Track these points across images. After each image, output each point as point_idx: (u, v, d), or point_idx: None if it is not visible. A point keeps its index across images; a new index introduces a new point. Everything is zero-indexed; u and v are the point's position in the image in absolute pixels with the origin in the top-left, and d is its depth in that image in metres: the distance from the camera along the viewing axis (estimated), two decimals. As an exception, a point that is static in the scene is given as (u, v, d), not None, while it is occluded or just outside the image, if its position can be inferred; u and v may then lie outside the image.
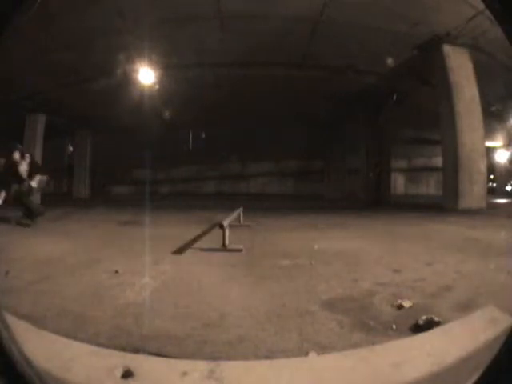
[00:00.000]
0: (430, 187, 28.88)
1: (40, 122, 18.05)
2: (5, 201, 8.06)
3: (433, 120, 13.03)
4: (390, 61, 12.52)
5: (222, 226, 4.93)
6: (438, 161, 13.60)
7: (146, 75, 13.21)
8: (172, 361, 1.73)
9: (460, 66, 11.26)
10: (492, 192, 23.12)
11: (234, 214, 6.93)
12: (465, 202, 10.72)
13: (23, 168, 8.23)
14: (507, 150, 26.05)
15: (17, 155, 8.26)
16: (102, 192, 26.82)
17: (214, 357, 1.80)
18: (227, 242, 4.92)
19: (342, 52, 12.48)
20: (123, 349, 1.87)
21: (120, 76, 12.91)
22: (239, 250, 4.80)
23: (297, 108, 18.92)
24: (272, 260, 4.15)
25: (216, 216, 7.28)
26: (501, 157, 26.72)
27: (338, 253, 4.56)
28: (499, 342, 0.99)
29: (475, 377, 0.96)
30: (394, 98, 15.91)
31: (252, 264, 3.96)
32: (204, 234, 6.26)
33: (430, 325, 2.21)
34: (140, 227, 7.46)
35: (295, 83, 14.88)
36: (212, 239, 5.12)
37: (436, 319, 2.27)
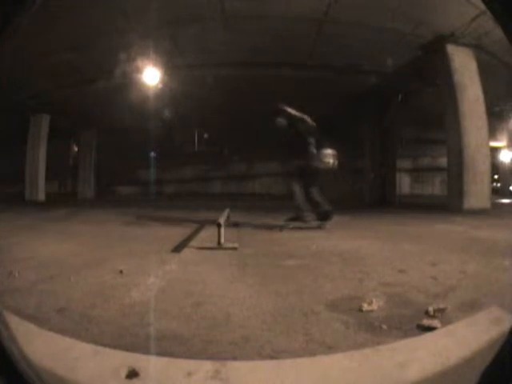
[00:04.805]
0: (435, 187, 28.86)
1: (44, 122, 18.12)
2: None
3: (438, 120, 13.02)
4: (394, 61, 12.52)
5: (219, 225, 4.98)
6: (443, 161, 13.58)
7: (151, 75, 13.24)
8: (177, 361, 1.73)
9: (464, 66, 11.25)
10: (496, 192, 23.10)
11: (227, 213, 7.02)
12: (469, 202, 10.72)
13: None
14: (511, 150, 26.03)
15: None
16: (107, 192, 26.88)
17: (219, 357, 1.81)
18: (223, 240, 4.97)
19: (347, 52, 12.48)
20: (128, 349, 1.87)
21: (124, 76, 12.94)
22: (234, 249, 4.84)
23: (301, 108, 18.90)
24: (277, 260, 4.15)
25: (221, 216, 7.28)
26: (505, 157, 26.71)
27: (343, 253, 4.56)
28: (503, 342, 0.99)
29: (479, 376, 0.97)
30: (399, 98, 15.91)
31: (257, 264, 3.96)
32: (210, 234, 6.25)
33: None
34: (144, 227, 7.47)
35: (300, 84, 14.86)
36: (215, 239, 5.12)
37: (442, 306, 2.32)
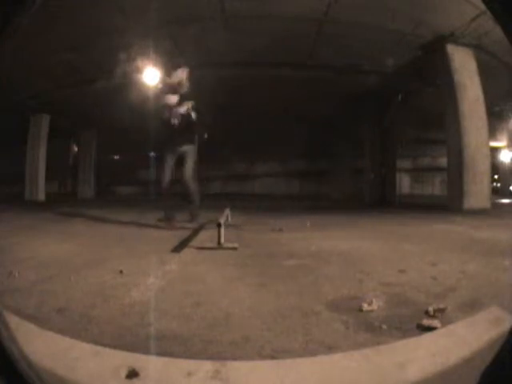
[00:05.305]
0: (435, 187, 28.90)
1: (44, 122, 18.14)
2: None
3: (438, 120, 13.03)
4: (394, 61, 12.54)
5: (219, 225, 4.99)
6: (443, 161, 13.60)
7: (151, 75, 13.24)
8: (177, 361, 1.73)
9: (464, 66, 11.26)
10: (496, 192, 23.13)
11: (227, 213, 7.07)
12: (469, 202, 10.73)
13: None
14: (511, 150, 26.06)
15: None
16: (107, 192, 26.90)
17: (219, 357, 1.81)
18: (223, 240, 4.97)
19: (347, 52, 12.49)
20: (128, 349, 1.87)
21: (124, 76, 12.95)
22: (234, 249, 4.84)
23: (302, 108, 18.92)
24: (276, 260, 4.16)
25: (221, 216, 7.29)
26: (505, 157, 26.75)
27: (343, 253, 4.56)
28: (503, 342, 0.99)
29: (479, 376, 0.97)
30: (399, 98, 15.92)
31: (257, 264, 3.96)
32: (210, 234, 6.25)
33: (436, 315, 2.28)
34: (144, 227, 7.47)
35: (300, 84, 14.89)
36: (215, 239, 5.12)
37: (442, 306, 2.34)
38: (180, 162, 7.26)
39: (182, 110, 7.10)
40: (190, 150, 7.34)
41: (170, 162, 7.26)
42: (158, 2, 9.56)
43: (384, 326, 2.22)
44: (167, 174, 7.23)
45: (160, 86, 7.42)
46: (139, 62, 12.47)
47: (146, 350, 1.87)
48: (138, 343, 1.97)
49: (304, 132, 22.73)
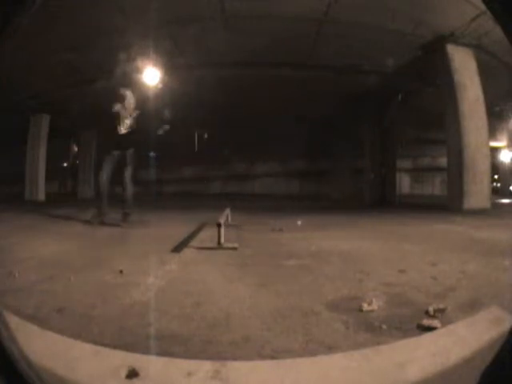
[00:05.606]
0: (435, 187, 28.87)
1: (44, 122, 18.10)
2: None
3: (438, 120, 13.02)
4: (394, 61, 12.52)
5: (219, 225, 4.99)
6: (443, 161, 13.58)
7: (151, 75, 13.24)
8: (177, 361, 1.73)
9: (464, 66, 11.25)
10: (496, 192, 23.12)
11: (227, 213, 7.07)
12: (469, 203, 10.72)
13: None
14: (511, 150, 26.04)
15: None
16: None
17: (219, 357, 1.81)
18: (223, 240, 4.97)
19: (347, 52, 12.48)
20: (128, 349, 1.87)
21: (124, 76, 12.94)
22: (234, 249, 4.84)
23: (302, 108, 18.90)
24: (277, 260, 4.15)
25: (221, 216, 7.29)
26: (505, 157, 26.73)
27: (343, 253, 4.55)
28: (503, 342, 0.99)
29: (479, 376, 0.97)
30: (399, 98, 15.91)
31: (257, 264, 3.95)
32: (210, 234, 6.24)
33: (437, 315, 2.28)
34: (144, 228, 7.47)
35: (300, 84, 14.87)
36: (215, 239, 5.11)
37: (442, 306, 2.34)
38: (121, 164, 8.20)
39: (129, 120, 8.56)
40: (130, 155, 8.39)
41: (110, 164, 8.15)
42: (157, 2, 9.55)
43: (384, 326, 2.21)
44: (106, 175, 8.03)
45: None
46: (139, 62, 12.47)
47: (146, 350, 1.87)
48: (137, 343, 1.97)
49: (304, 132, 22.67)
